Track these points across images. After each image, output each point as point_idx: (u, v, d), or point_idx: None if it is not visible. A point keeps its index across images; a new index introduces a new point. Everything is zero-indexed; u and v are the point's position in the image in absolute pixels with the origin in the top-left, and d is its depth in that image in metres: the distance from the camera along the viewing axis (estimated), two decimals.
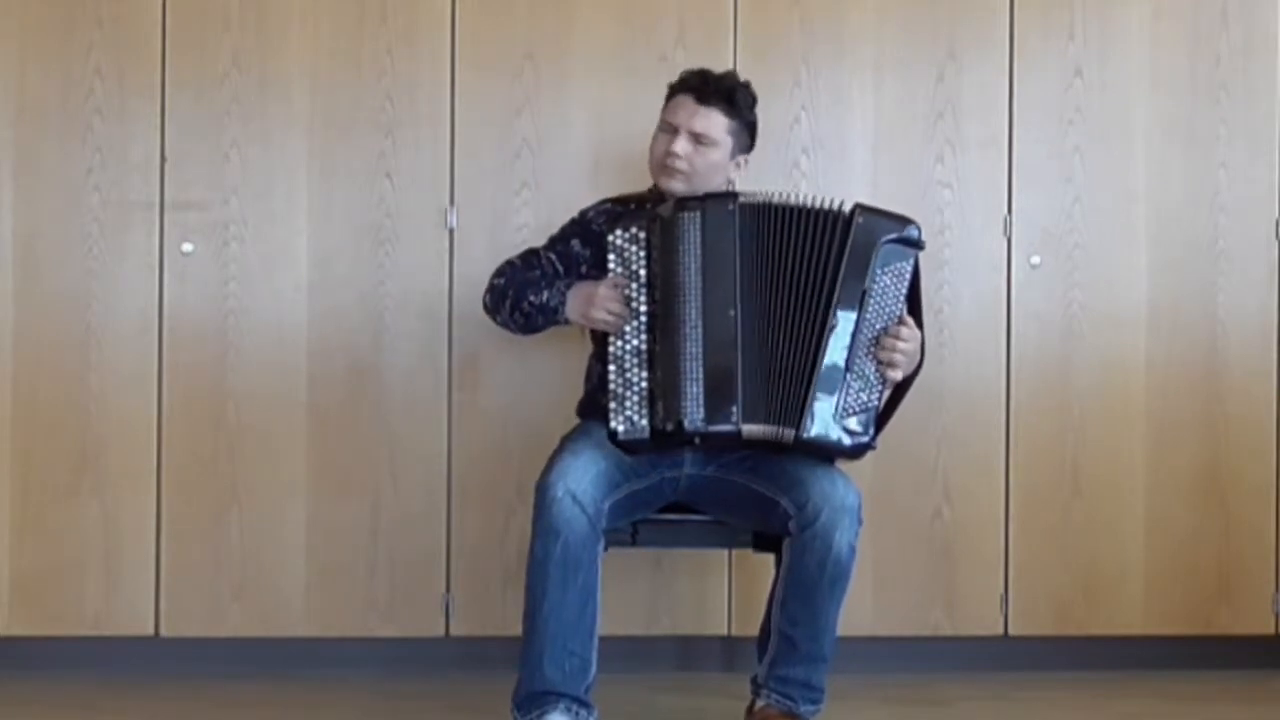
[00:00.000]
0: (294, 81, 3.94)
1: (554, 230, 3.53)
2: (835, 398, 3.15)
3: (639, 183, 3.66)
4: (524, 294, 3.33)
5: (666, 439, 3.18)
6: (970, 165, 4.02)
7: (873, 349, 3.18)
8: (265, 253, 3.94)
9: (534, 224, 3.91)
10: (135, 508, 3.91)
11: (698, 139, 3.34)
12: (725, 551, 3.94)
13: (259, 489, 3.93)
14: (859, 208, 3.17)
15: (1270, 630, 4.06)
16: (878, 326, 3.18)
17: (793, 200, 3.19)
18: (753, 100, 3.41)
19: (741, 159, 3.42)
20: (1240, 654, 4.06)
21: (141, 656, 3.93)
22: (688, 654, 4.03)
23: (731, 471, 3.30)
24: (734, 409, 3.14)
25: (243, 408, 3.93)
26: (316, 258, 3.94)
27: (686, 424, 3.13)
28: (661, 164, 3.36)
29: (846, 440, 3.16)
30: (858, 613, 3.80)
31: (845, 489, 3.16)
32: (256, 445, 3.93)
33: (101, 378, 3.91)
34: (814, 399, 3.14)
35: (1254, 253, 4.06)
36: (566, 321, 3.32)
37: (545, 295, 3.31)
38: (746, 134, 3.41)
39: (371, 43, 3.95)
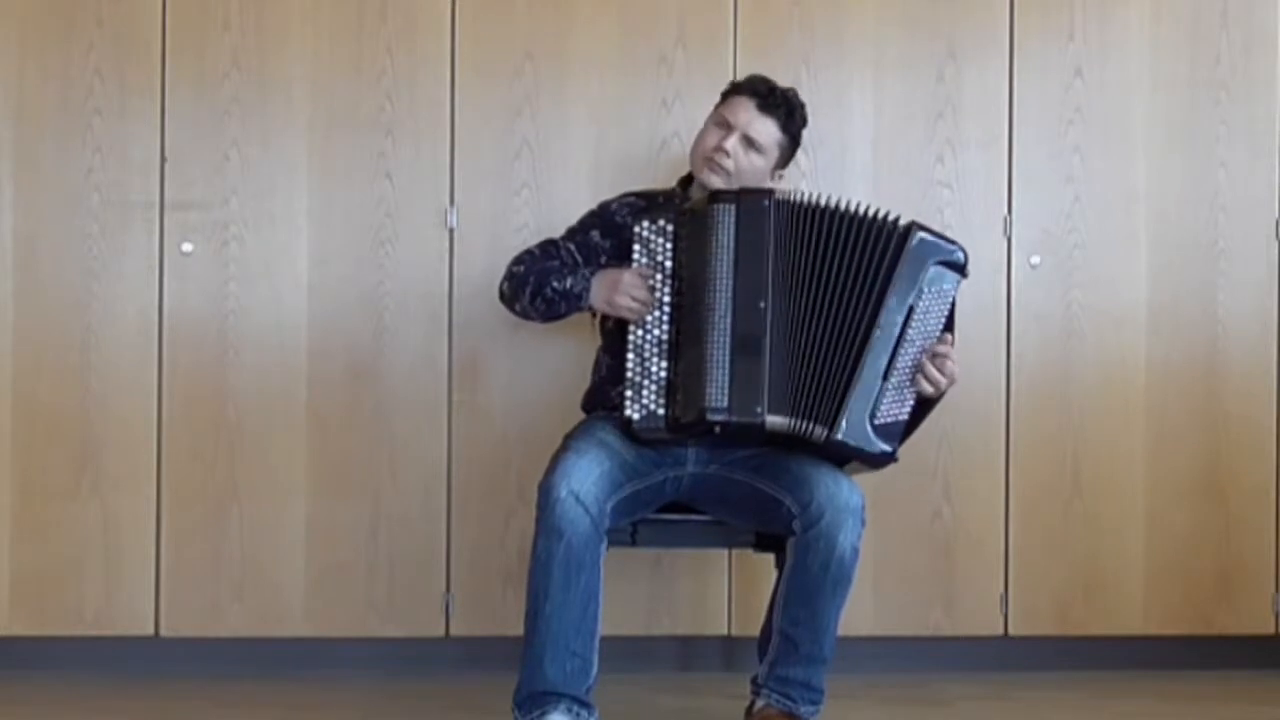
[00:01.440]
0: (294, 81, 3.94)
1: (556, 229, 3.54)
2: (870, 405, 3.17)
3: (638, 183, 3.68)
4: (546, 280, 3.34)
5: (684, 428, 3.17)
6: (970, 165, 4.02)
7: (909, 364, 3.19)
8: (265, 253, 3.94)
9: (534, 224, 3.91)
10: (135, 508, 3.91)
11: (750, 142, 3.38)
12: (725, 551, 3.94)
13: (259, 489, 3.93)
14: (916, 225, 3.19)
15: (1270, 630, 4.06)
16: (918, 344, 3.19)
17: (837, 204, 3.20)
18: (805, 121, 3.47)
19: (780, 173, 3.46)
20: (1240, 654, 4.06)
21: (141, 656, 3.93)
22: (688, 654, 4.03)
23: (734, 470, 3.30)
24: (760, 400, 3.14)
25: (243, 408, 3.93)
26: (316, 258, 3.94)
27: (710, 413, 3.12)
28: (708, 156, 3.39)
29: (875, 448, 3.18)
30: (858, 613, 3.80)
31: (849, 490, 3.17)
32: (256, 445, 3.93)
33: (101, 378, 3.91)
34: (850, 402, 3.15)
35: (1254, 253, 4.06)
36: (590, 309, 3.33)
37: (569, 281, 3.32)
38: (791, 150, 3.46)
39: (371, 43, 3.95)
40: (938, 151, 4.02)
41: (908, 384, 3.20)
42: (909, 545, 3.99)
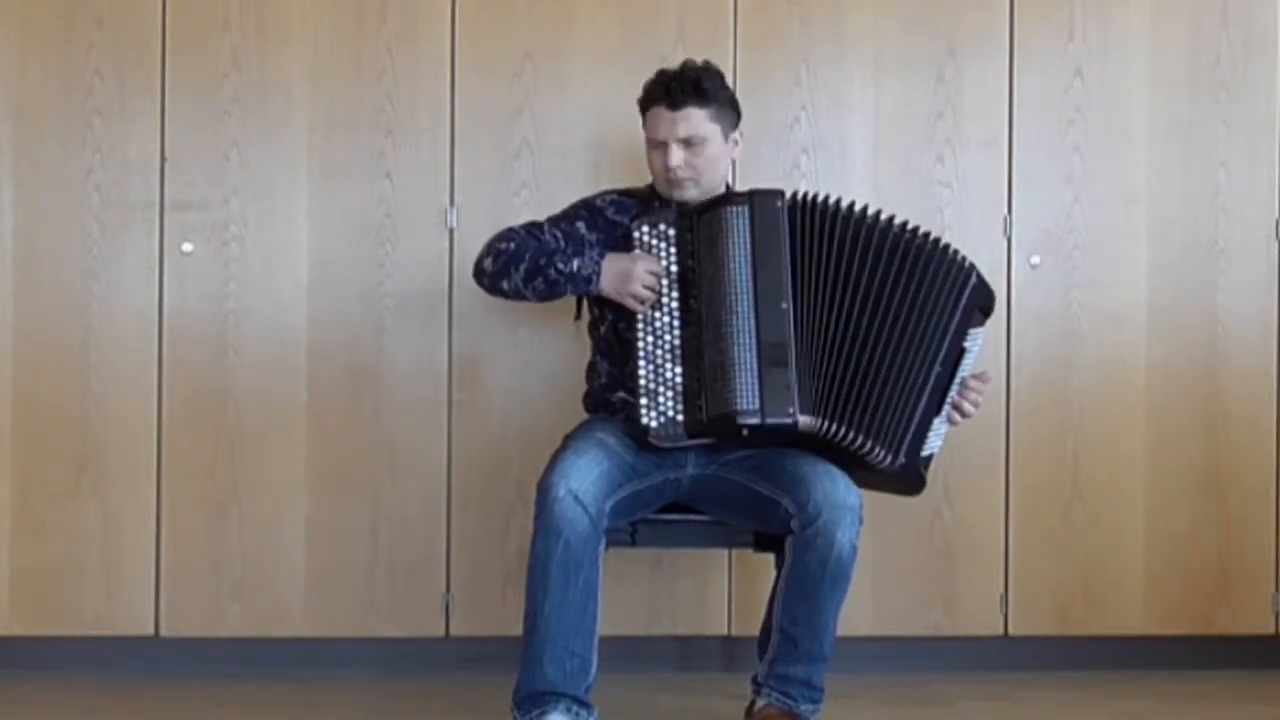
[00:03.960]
0: (294, 81, 3.94)
1: None
2: (924, 438, 3.21)
3: (639, 183, 3.66)
4: (548, 260, 3.26)
5: (709, 432, 3.16)
6: (970, 165, 4.02)
7: (951, 402, 3.25)
8: (265, 253, 3.94)
9: None
10: (135, 508, 3.91)
11: (688, 143, 3.31)
12: (725, 551, 3.94)
13: (259, 489, 3.93)
14: (975, 268, 3.25)
15: (1270, 630, 4.06)
16: (959, 382, 3.25)
17: (876, 216, 3.21)
18: (720, 78, 3.37)
19: (736, 135, 3.41)
20: (1240, 654, 4.06)
21: (141, 656, 3.94)
22: (688, 654, 4.03)
23: (732, 471, 3.30)
24: (792, 401, 3.13)
25: (243, 408, 3.93)
26: (316, 258, 3.94)
27: (741, 415, 3.11)
28: (666, 180, 3.35)
29: (920, 478, 3.26)
30: (858, 613, 3.81)
31: (846, 489, 3.17)
32: (256, 445, 3.93)
33: (101, 378, 3.91)
34: (913, 432, 3.18)
35: (1254, 253, 4.06)
36: (597, 292, 3.28)
37: (576, 264, 3.26)
38: (730, 111, 3.38)
39: (371, 43, 3.95)
40: (938, 151, 4.02)
41: (945, 420, 3.26)
42: (909, 545, 3.99)
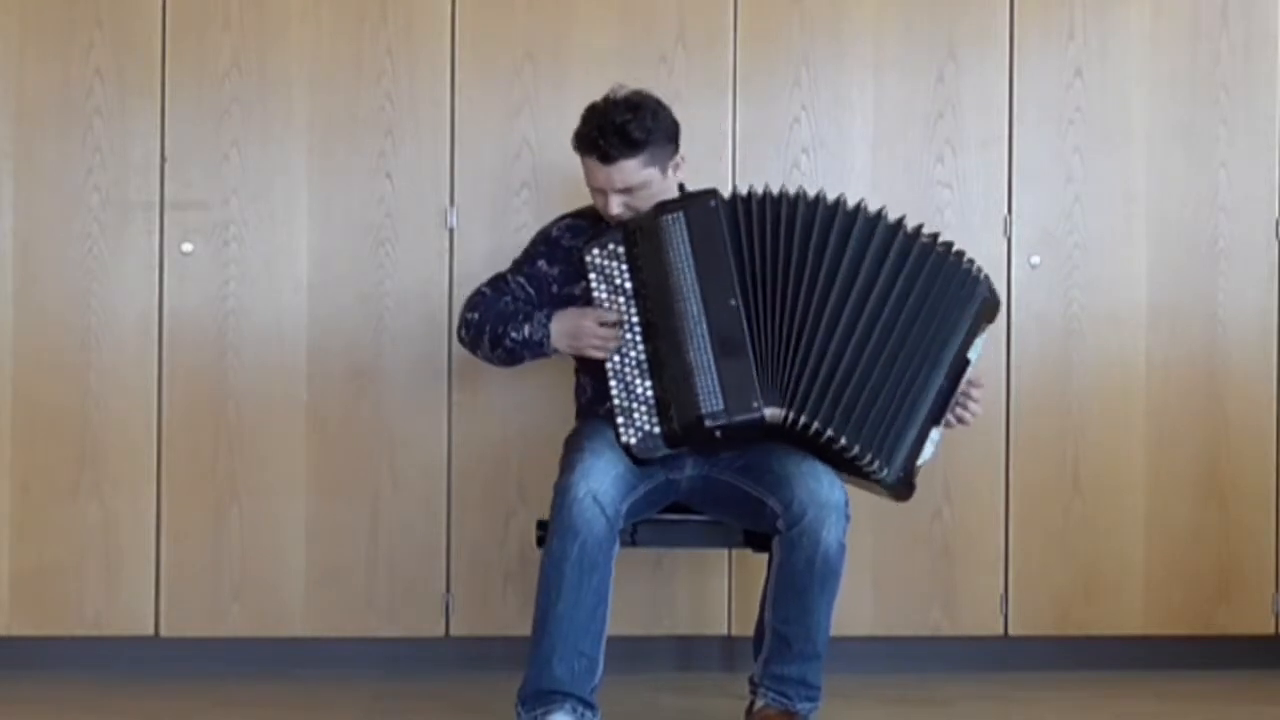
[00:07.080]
0: (294, 81, 3.94)
1: None
2: (920, 450, 3.21)
3: None
4: (504, 330, 3.31)
5: (684, 440, 3.16)
6: (970, 165, 4.02)
7: (950, 412, 3.25)
8: (265, 253, 3.94)
9: (534, 224, 3.88)
10: (135, 508, 3.91)
11: (625, 191, 3.29)
12: (725, 551, 3.94)
13: (259, 489, 3.93)
14: (987, 279, 3.27)
15: (1270, 630, 4.06)
16: (960, 391, 3.24)
17: (878, 212, 3.22)
18: (650, 112, 3.28)
19: (675, 161, 3.34)
20: (1240, 654, 4.06)
21: (141, 656, 3.93)
22: (688, 654, 4.03)
23: (722, 472, 3.30)
24: (754, 394, 3.13)
25: (243, 408, 3.93)
26: (316, 258, 3.94)
27: (708, 419, 3.12)
28: (609, 218, 3.32)
29: (910, 488, 3.24)
30: (857, 612, 3.81)
31: (830, 486, 3.16)
32: (256, 445, 3.93)
33: (101, 378, 3.91)
34: (908, 444, 3.18)
35: (1254, 253, 4.06)
36: (555, 352, 3.31)
37: (527, 330, 3.29)
38: (665, 144, 3.30)
39: (371, 43, 3.95)
40: (938, 151, 4.02)
41: (943, 428, 3.25)
42: (909, 545, 3.99)
